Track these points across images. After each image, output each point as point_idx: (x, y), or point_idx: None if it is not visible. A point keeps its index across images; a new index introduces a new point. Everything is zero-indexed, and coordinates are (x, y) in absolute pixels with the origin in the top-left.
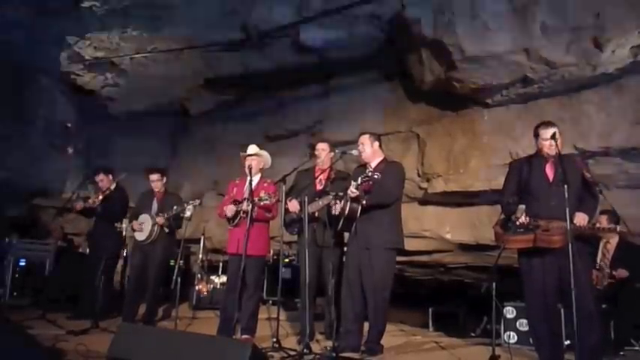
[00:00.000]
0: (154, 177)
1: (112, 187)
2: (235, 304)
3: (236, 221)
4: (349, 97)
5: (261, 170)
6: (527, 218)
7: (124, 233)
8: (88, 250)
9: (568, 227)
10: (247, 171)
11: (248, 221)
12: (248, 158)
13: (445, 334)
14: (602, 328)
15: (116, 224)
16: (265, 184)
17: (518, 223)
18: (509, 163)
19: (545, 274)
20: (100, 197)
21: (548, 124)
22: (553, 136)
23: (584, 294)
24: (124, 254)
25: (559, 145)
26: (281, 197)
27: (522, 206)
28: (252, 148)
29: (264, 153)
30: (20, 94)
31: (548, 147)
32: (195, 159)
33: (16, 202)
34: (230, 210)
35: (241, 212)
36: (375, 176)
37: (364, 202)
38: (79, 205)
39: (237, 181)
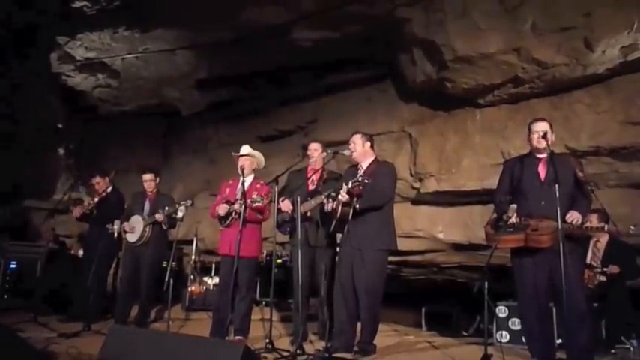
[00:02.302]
0: (148, 177)
1: (109, 189)
2: (228, 305)
3: (227, 222)
4: (341, 97)
5: (255, 171)
6: (518, 218)
7: (115, 234)
8: (82, 253)
9: (559, 227)
10: (240, 172)
11: (240, 222)
12: (240, 159)
13: (438, 333)
14: (594, 327)
15: (107, 226)
16: (258, 186)
17: (508, 222)
18: (504, 163)
19: (537, 273)
20: (96, 200)
21: (539, 119)
22: (544, 136)
23: (575, 293)
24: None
25: (548, 141)
26: (273, 198)
27: (514, 206)
28: (245, 149)
29: (257, 154)
30: (11, 95)
31: (537, 140)
32: (187, 160)
33: (7, 203)
34: (223, 209)
35: (233, 213)
36: (366, 181)
37: (356, 206)
38: (78, 211)
39: (229, 182)
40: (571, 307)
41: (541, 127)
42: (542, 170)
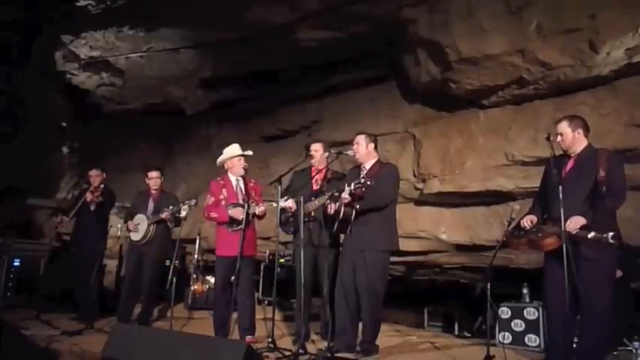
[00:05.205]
0: (154, 174)
1: (101, 186)
2: (230, 304)
3: (241, 225)
4: (345, 97)
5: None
6: (530, 222)
7: (118, 233)
8: (73, 248)
9: (562, 230)
10: (243, 172)
11: (244, 223)
12: (242, 159)
13: (440, 334)
14: (608, 334)
15: (110, 224)
16: (251, 184)
17: (521, 225)
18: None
19: (558, 275)
20: (97, 194)
21: (559, 119)
22: (548, 138)
23: (591, 297)
24: (120, 254)
25: (563, 142)
26: (277, 197)
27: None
28: (237, 148)
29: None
30: (15, 93)
31: (559, 142)
32: (191, 159)
33: (10, 201)
34: (241, 213)
35: (250, 216)
36: (368, 182)
37: (358, 207)
38: (64, 220)
39: (220, 181)
40: (585, 309)
41: (557, 128)
42: (566, 170)
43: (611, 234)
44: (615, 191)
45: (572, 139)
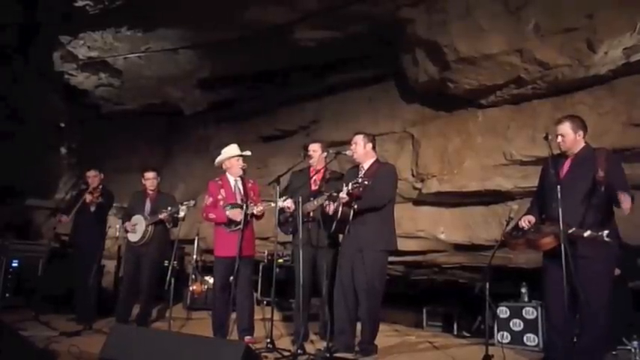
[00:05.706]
0: (151, 175)
1: (100, 186)
2: (229, 305)
3: (240, 225)
4: (344, 97)
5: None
6: (528, 222)
7: (117, 234)
8: (71, 249)
9: (561, 229)
10: (242, 172)
11: (242, 223)
12: (240, 159)
13: (439, 333)
14: (606, 333)
15: (109, 224)
16: (250, 184)
17: (519, 226)
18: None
19: (557, 275)
20: (97, 195)
21: (559, 120)
22: (546, 137)
23: (592, 295)
24: (118, 255)
25: (561, 142)
26: (275, 197)
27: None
28: (235, 148)
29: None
30: (13, 93)
31: (560, 143)
32: (189, 159)
33: (9, 202)
34: (238, 214)
35: (249, 216)
36: (366, 182)
37: (355, 206)
38: (64, 219)
39: (218, 182)
40: (583, 308)
41: (558, 129)
42: (564, 170)
43: (606, 232)
44: (602, 193)
45: (574, 140)
